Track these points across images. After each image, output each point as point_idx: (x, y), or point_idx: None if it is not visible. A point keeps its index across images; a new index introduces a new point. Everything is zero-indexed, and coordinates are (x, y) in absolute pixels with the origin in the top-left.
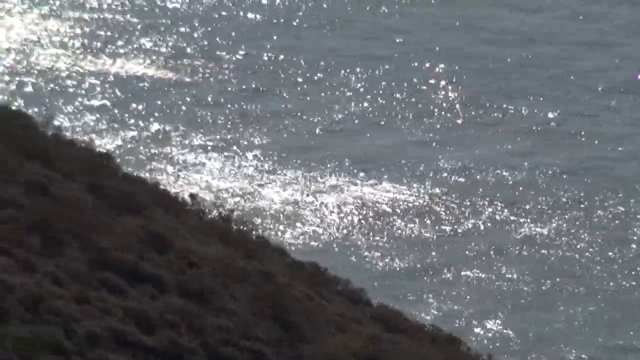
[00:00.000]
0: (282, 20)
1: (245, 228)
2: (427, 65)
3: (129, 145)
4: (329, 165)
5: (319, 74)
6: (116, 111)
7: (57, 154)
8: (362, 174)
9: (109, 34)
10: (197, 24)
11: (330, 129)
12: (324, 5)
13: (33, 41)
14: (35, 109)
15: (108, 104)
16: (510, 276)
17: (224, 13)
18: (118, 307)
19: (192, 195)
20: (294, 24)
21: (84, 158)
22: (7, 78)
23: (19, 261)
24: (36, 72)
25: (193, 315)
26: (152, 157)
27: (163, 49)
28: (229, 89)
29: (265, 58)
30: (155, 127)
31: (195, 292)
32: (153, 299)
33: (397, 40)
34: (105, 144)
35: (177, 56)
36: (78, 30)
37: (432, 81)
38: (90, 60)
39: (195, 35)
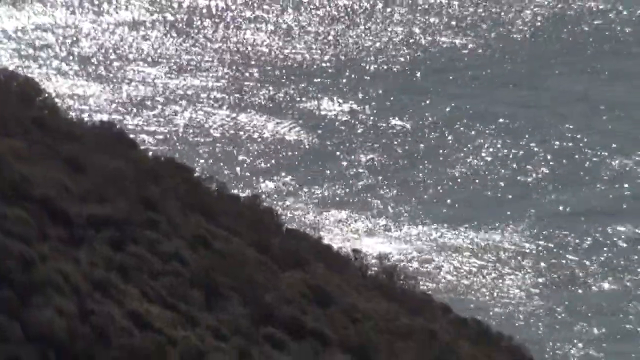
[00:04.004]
0: None
1: (408, 284)
2: None
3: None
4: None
5: None
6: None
7: (221, 208)
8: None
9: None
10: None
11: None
12: None
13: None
14: (201, 164)
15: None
16: None
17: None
18: None
19: (355, 250)
20: None
21: (248, 213)
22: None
23: (182, 315)
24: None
25: None
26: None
27: None
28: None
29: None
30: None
31: (359, 348)
32: (316, 354)
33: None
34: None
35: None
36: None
37: None
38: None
39: None
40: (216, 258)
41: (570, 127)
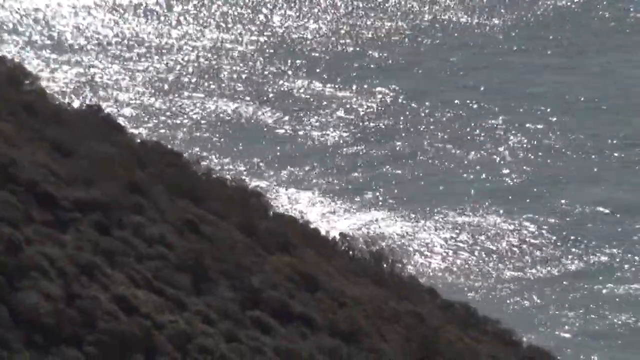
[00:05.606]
0: None
1: (396, 268)
2: None
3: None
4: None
5: None
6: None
7: (208, 192)
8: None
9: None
10: None
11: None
12: None
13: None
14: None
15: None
16: None
17: None
18: (268, 345)
19: (342, 235)
20: None
21: (235, 197)
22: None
23: (170, 299)
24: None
25: (343, 356)
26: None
27: None
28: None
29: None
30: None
31: (346, 333)
32: (303, 338)
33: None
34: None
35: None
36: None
37: None
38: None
39: None
40: (204, 242)
41: (584, 120)
